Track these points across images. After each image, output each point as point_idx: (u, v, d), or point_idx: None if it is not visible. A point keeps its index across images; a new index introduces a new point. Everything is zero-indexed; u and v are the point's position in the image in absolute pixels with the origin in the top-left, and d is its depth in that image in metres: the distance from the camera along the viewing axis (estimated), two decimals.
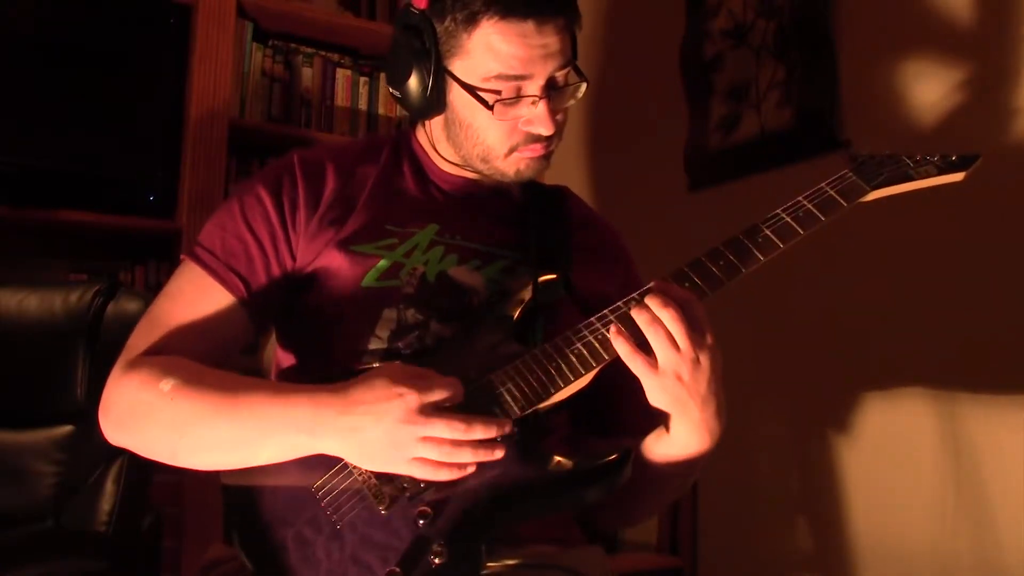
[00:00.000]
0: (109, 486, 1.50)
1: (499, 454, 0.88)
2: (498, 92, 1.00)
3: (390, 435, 0.85)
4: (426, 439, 0.85)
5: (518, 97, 1.01)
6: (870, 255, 1.87)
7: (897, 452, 1.79)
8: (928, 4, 1.82)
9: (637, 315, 0.89)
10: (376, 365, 1.00)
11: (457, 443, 0.86)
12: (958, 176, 1.04)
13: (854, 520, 1.87)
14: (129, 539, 1.51)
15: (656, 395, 0.91)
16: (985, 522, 1.62)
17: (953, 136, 1.73)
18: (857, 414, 1.88)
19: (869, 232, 1.86)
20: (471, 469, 0.88)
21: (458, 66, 1.02)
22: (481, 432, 0.86)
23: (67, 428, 1.54)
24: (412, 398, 0.85)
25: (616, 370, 0.97)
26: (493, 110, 1.00)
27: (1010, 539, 1.57)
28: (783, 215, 0.97)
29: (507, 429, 0.88)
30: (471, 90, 1.01)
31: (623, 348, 0.90)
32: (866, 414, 1.86)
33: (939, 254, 1.75)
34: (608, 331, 0.92)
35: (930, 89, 1.80)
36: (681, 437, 0.93)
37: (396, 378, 0.87)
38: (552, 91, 1.02)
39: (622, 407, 1.13)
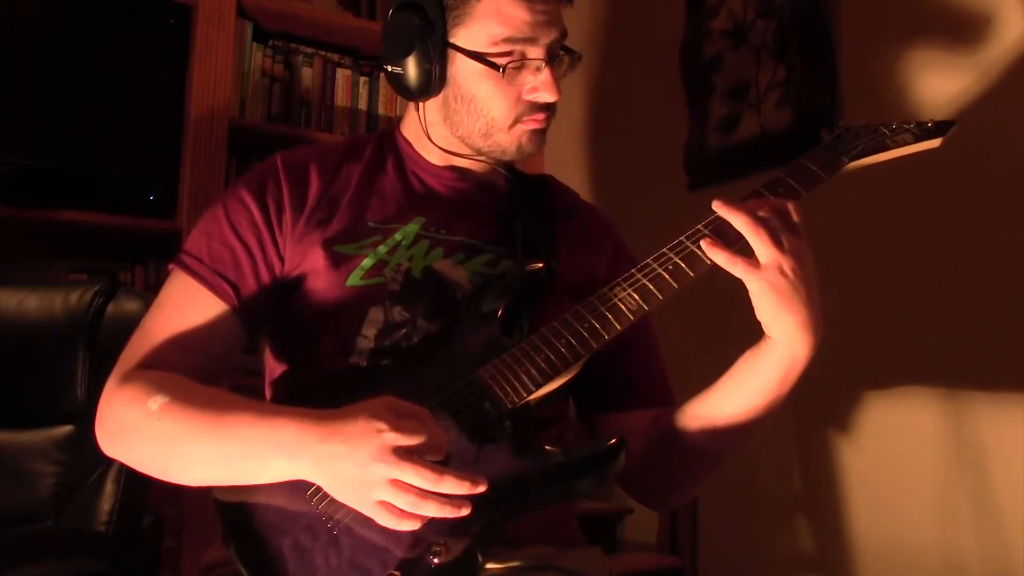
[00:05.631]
0: (109, 486, 1.50)
1: (465, 511, 0.84)
2: (508, 55, 1.01)
3: (360, 470, 0.82)
4: (394, 482, 0.82)
5: (523, 61, 1.02)
6: (871, 252, 1.87)
7: (899, 451, 1.79)
8: (928, 3, 1.82)
9: (734, 217, 0.88)
10: (364, 366, 1.00)
11: (424, 494, 0.82)
12: (935, 143, 1.04)
13: (855, 520, 1.87)
14: (129, 539, 1.51)
15: (761, 296, 0.88)
16: (989, 521, 1.62)
17: (957, 132, 1.73)
18: (858, 412, 1.88)
19: (870, 229, 1.86)
20: (437, 516, 0.84)
21: (462, 36, 1.02)
22: (452, 486, 0.82)
23: (67, 428, 1.54)
24: (388, 436, 0.82)
25: (621, 344, 0.97)
26: (504, 72, 1.00)
27: (1015, 538, 1.57)
28: (764, 192, 0.97)
29: (480, 489, 0.84)
30: (480, 57, 1.01)
31: (720, 256, 0.88)
32: (867, 412, 1.86)
33: (942, 251, 1.75)
34: (700, 246, 0.90)
35: (930, 88, 1.80)
36: (785, 339, 0.90)
37: (380, 413, 0.84)
38: (552, 60, 1.03)
39: (633, 378, 1.12)
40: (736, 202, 0.91)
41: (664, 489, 1.11)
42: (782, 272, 0.87)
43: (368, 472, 0.82)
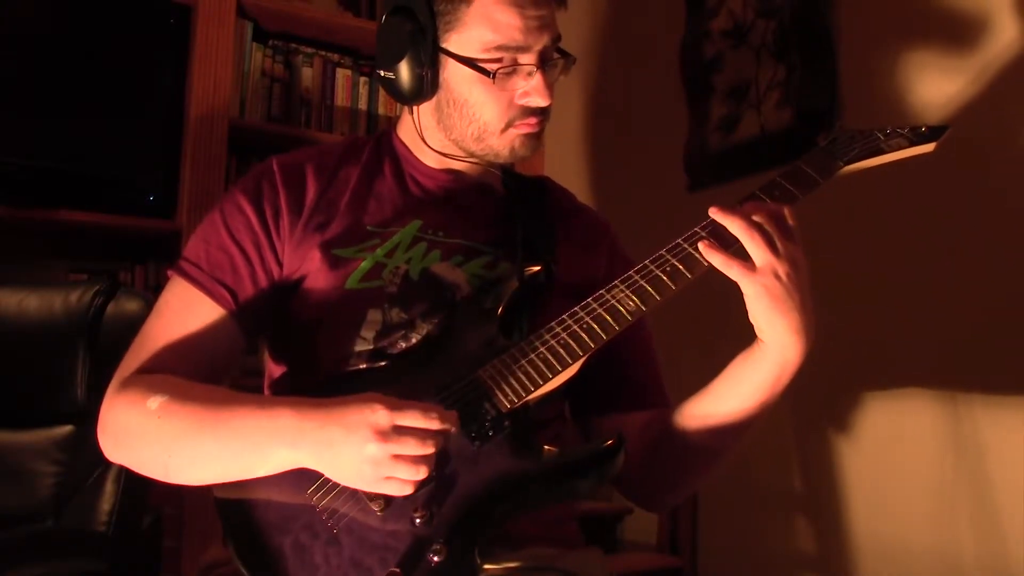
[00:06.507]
0: (109, 486, 1.50)
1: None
2: (499, 60, 1.01)
3: (359, 452, 0.84)
4: (398, 457, 0.84)
5: (515, 67, 1.02)
6: (871, 253, 1.87)
7: (898, 451, 1.79)
8: (927, 4, 1.82)
9: (731, 223, 0.89)
10: (363, 367, 1.01)
11: (431, 459, 0.85)
12: (929, 147, 1.05)
13: (855, 520, 1.87)
14: (129, 539, 1.51)
15: (755, 300, 0.89)
16: (989, 521, 1.62)
17: (955, 135, 1.73)
18: (858, 413, 1.88)
19: (869, 230, 1.86)
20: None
21: (454, 41, 1.02)
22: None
23: (67, 428, 1.54)
24: (383, 415, 0.84)
25: (618, 346, 0.98)
26: (494, 78, 1.01)
27: (1014, 538, 1.57)
28: (760, 195, 0.98)
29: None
30: (470, 63, 1.01)
31: (717, 258, 0.89)
32: (867, 413, 1.87)
33: (940, 252, 1.75)
34: (698, 248, 0.91)
35: (930, 88, 1.80)
36: (777, 343, 0.91)
37: (376, 397, 0.87)
38: (545, 64, 1.03)
39: (629, 380, 1.13)
40: (732, 207, 0.91)
41: (663, 490, 1.11)
42: (777, 276, 0.88)
43: (366, 452, 0.84)
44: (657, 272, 0.94)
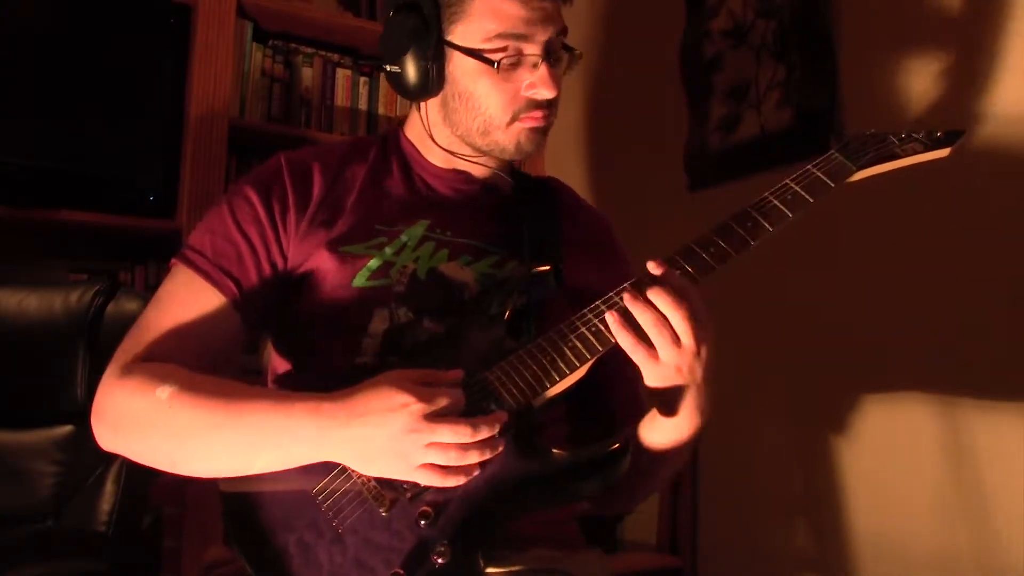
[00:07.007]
0: (109, 486, 1.50)
1: (501, 447, 0.89)
2: (503, 50, 1.01)
3: (396, 444, 0.85)
4: (432, 445, 0.85)
5: (520, 57, 1.02)
6: (872, 255, 1.87)
7: (897, 452, 1.79)
8: (928, 3, 1.82)
9: (641, 314, 0.89)
10: (370, 366, 1.00)
11: (464, 447, 0.86)
12: (944, 152, 1.04)
13: (854, 520, 1.87)
14: (129, 539, 1.51)
15: (654, 382, 0.92)
16: (986, 522, 1.62)
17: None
18: (857, 414, 1.88)
19: (870, 231, 1.86)
20: (476, 471, 0.88)
21: (458, 33, 1.02)
22: (486, 432, 0.87)
23: (67, 428, 1.54)
24: (416, 408, 0.85)
25: (611, 359, 0.98)
26: (498, 67, 1.01)
27: (1011, 539, 1.57)
28: (771, 198, 0.98)
29: (505, 418, 0.89)
30: (475, 53, 1.01)
31: (626, 340, 0.90)
32: (866, 414, 1.86)
33: (940, 254, 1.74)
34: (606, 320, 0.92)
35: (931, 88, 1.80)
36: (671, 421, 0.94)
37: (400, 385, 0.87)
38: (550, 56, 1.03)
39: (616, 395, 1.13)
40: (647, 286, 0.89)
41: (622, 498, 1.12)
42: (678, 370, 0.90)
43: (404, 443, 0.85)
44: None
